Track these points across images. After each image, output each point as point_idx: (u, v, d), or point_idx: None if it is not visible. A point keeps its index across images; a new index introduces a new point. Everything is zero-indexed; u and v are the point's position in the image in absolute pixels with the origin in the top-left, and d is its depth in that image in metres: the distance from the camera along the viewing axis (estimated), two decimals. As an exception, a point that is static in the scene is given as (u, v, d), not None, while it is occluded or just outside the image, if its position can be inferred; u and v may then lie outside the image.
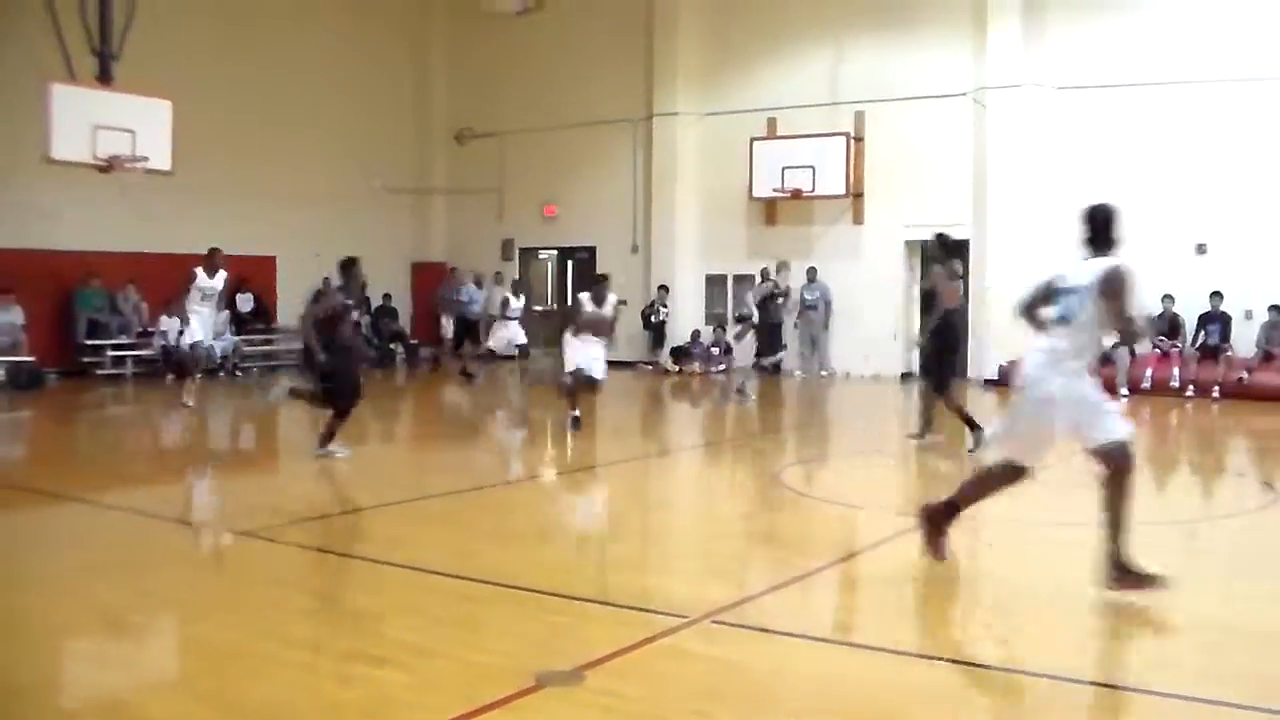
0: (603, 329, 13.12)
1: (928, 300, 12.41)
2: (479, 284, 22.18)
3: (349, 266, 11.15)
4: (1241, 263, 18.45)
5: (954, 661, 5.10)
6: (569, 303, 13.61)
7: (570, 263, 25.97)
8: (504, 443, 13.77)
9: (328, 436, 10.55)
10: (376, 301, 24.01)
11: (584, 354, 12.94)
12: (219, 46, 20.98)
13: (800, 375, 21.24)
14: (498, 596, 5.97)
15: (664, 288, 23.12)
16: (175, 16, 19.63)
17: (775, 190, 21.96)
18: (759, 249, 22.66)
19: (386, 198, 25.07)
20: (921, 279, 12.50)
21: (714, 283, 23.64)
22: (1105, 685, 4.73)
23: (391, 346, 23.49)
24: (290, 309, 23.11)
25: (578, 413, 12.88)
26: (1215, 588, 6.50)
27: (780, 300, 17.00)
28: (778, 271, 17.21)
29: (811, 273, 21.70)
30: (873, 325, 21.52)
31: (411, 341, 24.39)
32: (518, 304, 19.58)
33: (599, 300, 13.09)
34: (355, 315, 11.17)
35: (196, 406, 14.36)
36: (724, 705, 4.54)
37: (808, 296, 21.63)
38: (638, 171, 24.25)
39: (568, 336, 13.13)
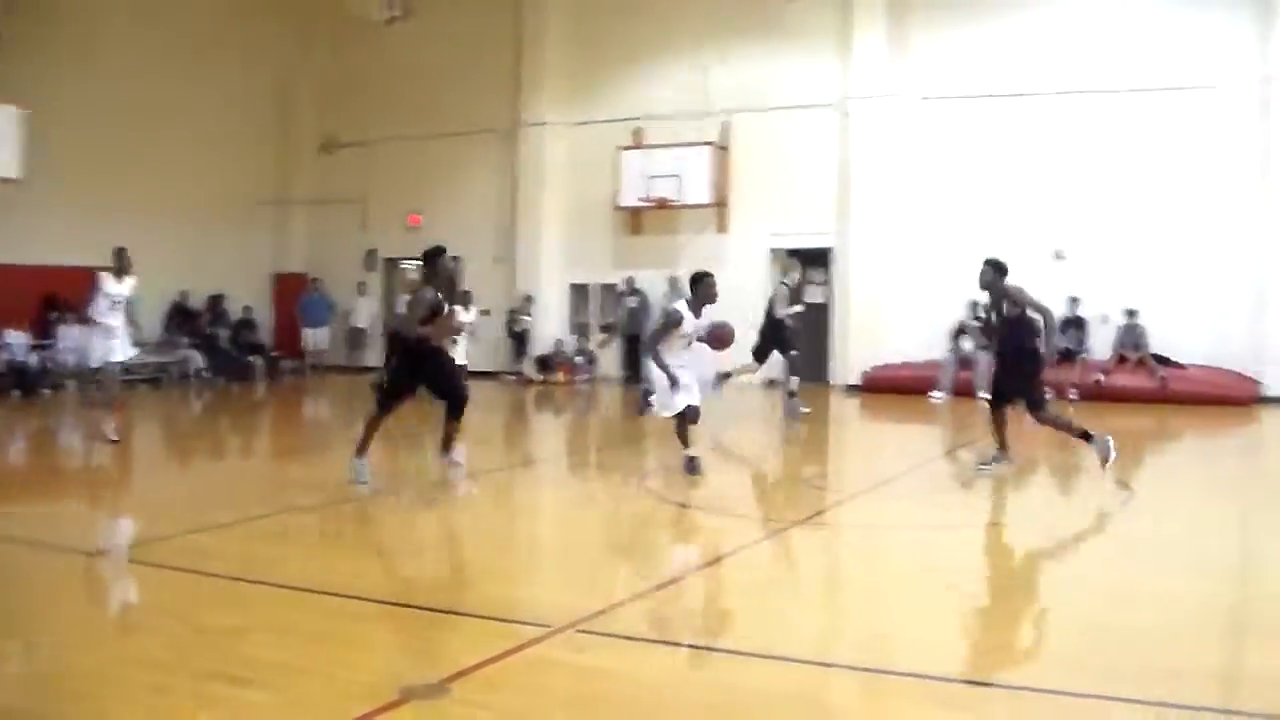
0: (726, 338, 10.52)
1: (1008, 319, 10.68)
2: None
3: (434, 257, 9.74)
4: (1098, 268, 19.11)
5: (821, 664, 5.17)
6: (663, 315, 10.47)
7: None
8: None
9: (448, 441, 9.90)
10: (237, 314, 23.61)
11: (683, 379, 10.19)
12: (76, 53, 20.38)
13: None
14: (362, 611, 5.89)
15: (528, 297, 23.07)
16: (30, 21, 19.05)
17: (641, 200, 22.07)
18: (624, 259, 22.79)
19: (248, 209, 24.67)
20: (989, 297, 10.90)
21: (578, 292, 23.68)
22: (974, 683, 4.83)
23: (250, 359, 23.01)
24: (145, 322, 22.56)
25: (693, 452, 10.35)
26: (1078, 585, 6.70)
27: (799, 308, 15.93)
28: (786, 274, 16.25)
29: (673, 282, 21.82)
30: (737, 334, 21.69)
31: (273, 354, 23.96)
32: (467, 317, 18.82)
33: (701, 305, 10.40)
34: (447, 311, 9.69)
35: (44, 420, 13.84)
36: (591, 714, 4.55)
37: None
38: (504, 181, 24.18)
39: (664, 360, 10.11)
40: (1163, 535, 8.30)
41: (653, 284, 22.12)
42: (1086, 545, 7.84)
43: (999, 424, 10.67)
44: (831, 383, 21.14)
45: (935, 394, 18.50)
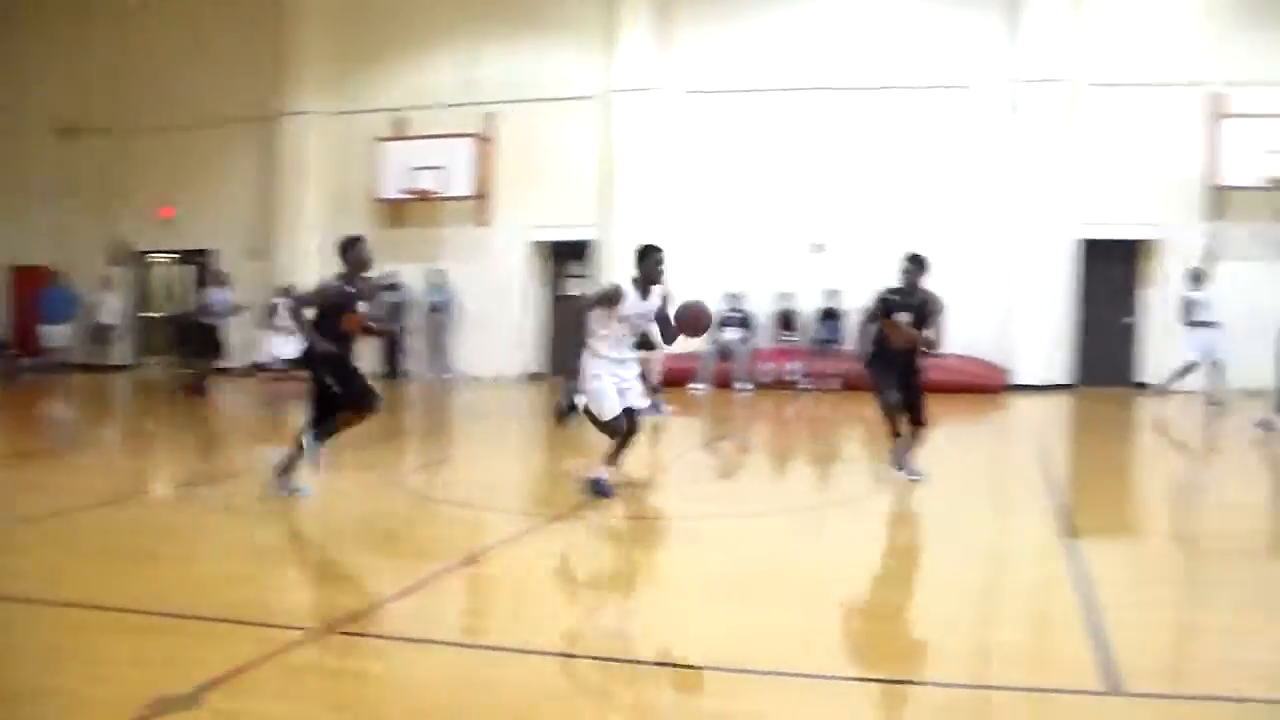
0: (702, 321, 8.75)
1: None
2: (222, 283, 20.08)
3: (349, 248, 8.83)
4: (855, 261, 19.83)
5: (582, 658, 5.19)
6: (601, 294, 8.78)
7: (190, 267, 24.90)
8: (112, 458, 12.94)
9: (291, 460, 8.85)
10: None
11: (623, 380, 8.68)
12: None
13: (426, 378, 21.19)
14: (106, 622, 5.61)
15: (287, 290, 22.46)
16: None
17: (402, 192, 21.84)
18: (384, 252, 22.38)
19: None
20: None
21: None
22: (730, 670, 4.92)
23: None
24: None
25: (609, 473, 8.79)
26: (835, 569, 6.91)
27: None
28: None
29: (437, 275, 21.66)
30: (499, 327, 21.79)
31: (10, 352, 22.68)
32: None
33: (648, 284, 8.70)
34: (364, 307, 8.77)
35: None
36: (350, 716, 4.46)
37: (433, 299, 21.61)
38: (262, 171, 23.51)
39: (595, 356, 8.64)
40: (918, 518, 8.67)
41: (414, 278, 21.90)
42: (847, 530, 8.07)
43: (896, 424, 9.74)
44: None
45: (695, 385, 18.84)
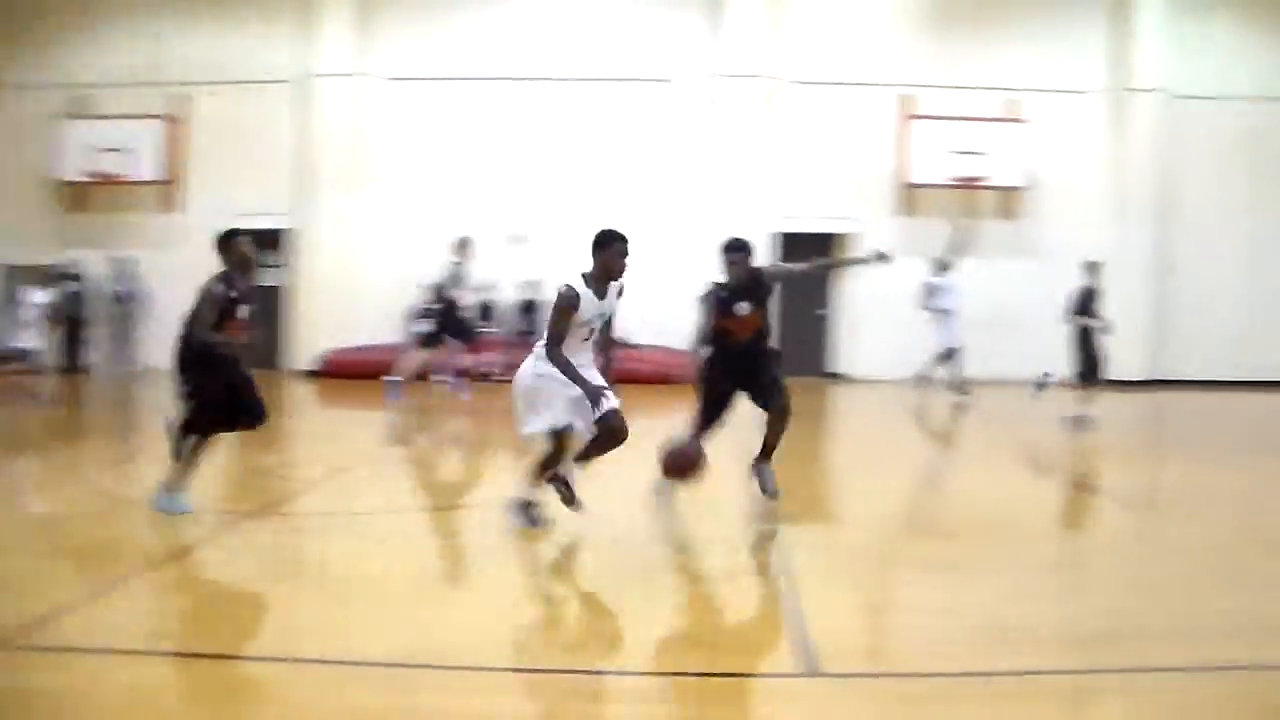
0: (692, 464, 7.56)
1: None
2: None
3: (229, 242, 7.93)
4: (557, 252, 19.97)
5: (275, 660, 5.05)
6: (556, 310, 7.26)
7: None
8: None
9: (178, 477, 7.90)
10: None
11: (570, 393, 7.21)
12: None
13: (110, 371, 20.20)
14: None
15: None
16: None
17: (85, 174, 20.76)
18: (65, 238, 21.29)
19: None
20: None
21: (12, 274, 21.78)
22: (423, 666, 4.89)
23: None
24: None
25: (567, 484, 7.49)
26: (527, 564, 6.95)
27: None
28: (461, 249, 15.27)
29: (123, 263, 20.67)
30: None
31: None
32: (44, 298, 16.54)
33: (606, 280, 7.35)
34: (244, 312, 7.88)
35: None
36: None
37: (119, 288, 20.61)
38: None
39: (536, 365, 7.25)
40: (618, 511, 8.80)
41: (98, 265, 20.84)
42: (543, 522, 8.12)
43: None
44: (285, 368, 20.85)
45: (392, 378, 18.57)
